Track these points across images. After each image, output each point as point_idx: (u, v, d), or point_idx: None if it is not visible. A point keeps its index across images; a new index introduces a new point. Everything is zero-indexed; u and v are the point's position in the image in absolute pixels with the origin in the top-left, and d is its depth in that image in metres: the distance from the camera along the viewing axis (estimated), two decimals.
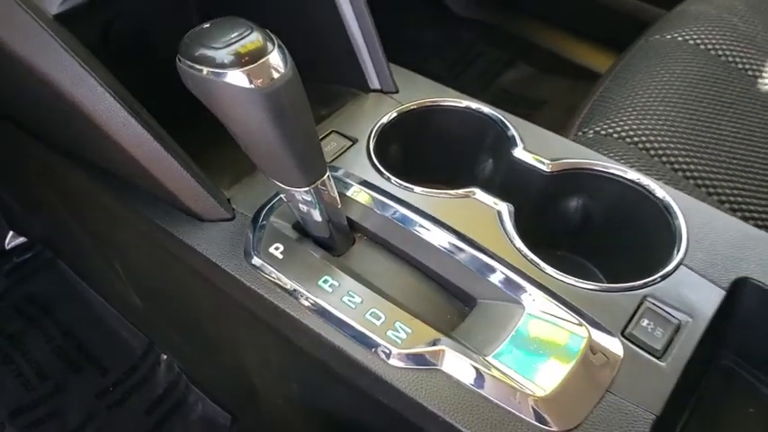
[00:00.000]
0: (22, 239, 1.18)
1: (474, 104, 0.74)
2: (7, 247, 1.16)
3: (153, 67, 0.79)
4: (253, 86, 0.48)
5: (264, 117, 0.50)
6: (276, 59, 0.49)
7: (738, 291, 0.58)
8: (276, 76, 0.48)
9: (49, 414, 1.01)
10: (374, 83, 0.78)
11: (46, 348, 1.07)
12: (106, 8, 0.62)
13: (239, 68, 0.48)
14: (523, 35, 1.68)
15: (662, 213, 0.63)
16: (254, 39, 0.49)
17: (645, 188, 0.64)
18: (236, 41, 0.48)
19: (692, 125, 0.88)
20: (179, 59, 0.50)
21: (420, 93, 0.76)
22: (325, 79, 0.80)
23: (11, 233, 1.18)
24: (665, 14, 1.15)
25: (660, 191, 0.64)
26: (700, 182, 0.83)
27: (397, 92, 0.77)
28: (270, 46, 0.49)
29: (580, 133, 0.88)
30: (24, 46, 0.53)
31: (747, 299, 0.58)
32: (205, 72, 0.48)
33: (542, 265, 0.58)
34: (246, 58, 0.48)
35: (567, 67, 1.61)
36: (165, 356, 1.06)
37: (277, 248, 0.61)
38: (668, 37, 1.03)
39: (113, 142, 0.59)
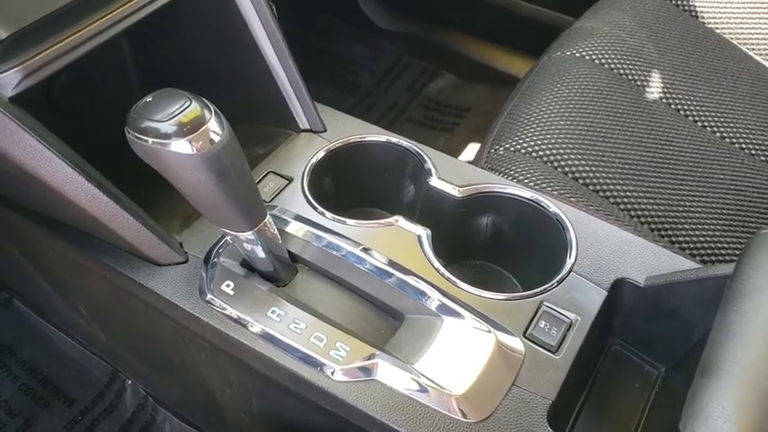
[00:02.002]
0: None
1: (394, 138, 0.84)
2: None
3: (96, 119, 0.85)
4: (195, 152, 0.56)
5: (207, 177, 0.58)
6: (214, 126, 0.57)
7: (618, 289, 0.70)
8: (216, 139, 0.56)
9: None
10: (304, 124, 0.86)
11: (12, 387, 1.11)
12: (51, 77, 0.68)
13: (182, 138, 0.55)
14: (446, 45, 1.79)
15: (556, 226, 0.75)
16: (193, 109, 0.56)
17: (540, 205, 0.76)
18: (177, 113, 0.56)
19: (589, 136, 1.01)
20: (127, 131, 0.57)
21: (346, 130, 0.85)
22: (260, 121, 0.88)
23: None
24: (571, 22, 1.28)
25: (553, 207, 0.76)
26: (597, 188, 0.96)
27: (325, 131, 0.86)
28: (207, 114, 0.57)
29: (492, 151, 0.99)
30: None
31: (625, 295, 0.70)
32: (150, 142, 0.55)
33: (457, 281, 0.69)
34: (188, 128, 0.55)
35: (488, 74, 1.73)
36: (130, 381, 1.12)
37: (228, 285, 0.70)
38: (567, 53, 1.16)
39: (74, 205, 0.66)
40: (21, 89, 0.61)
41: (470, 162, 0.95)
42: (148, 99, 0.58)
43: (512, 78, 1.69)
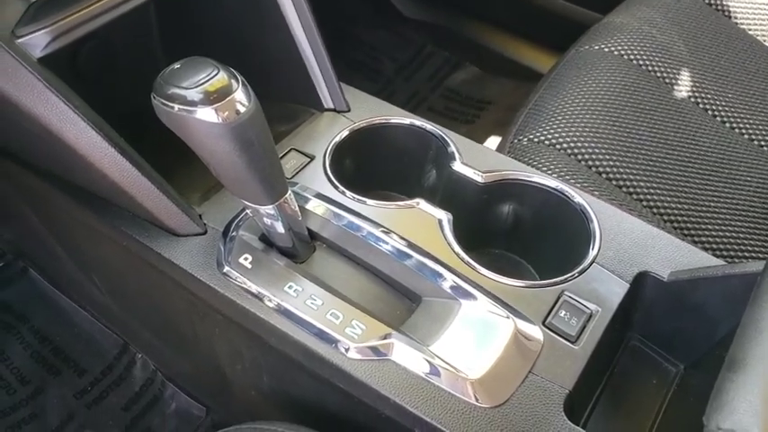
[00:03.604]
0: None
1: (418, 122, 0.83)
2: None
3: (120, 89, 0.85)
4: (220, 121, 0.56)
5: (232, 147, 0.58)
6: (241, 96, 0.56)
7: (640, 282, 0.69)
8: (242, 110, 0.56)
9: (31, 415, 1.07)
10: (328, 103, 0.86)
11: (24, 354, 1.12)
12: (78, 42, 0.68)
13: (208, 106, 0.55)
14: (470, 37, 1.78)
15: (579, 217, 0.74)
16: (220, 78, 0.56)
17: (564, 195, 0.75)
18: (204, 81, 0.56)
19: (614, 131, 0.99)
20: (153, 97, 0.57)
21: (369, 111, 0.84)
22: (283, 99, 0.88)
23: None
24: (599, 19, 1.26)
25: (578, 197, 0.74)
26: (621, 183, 0.94)
27: (348, 110, 0.85)
28: (235, 84, 0.57)
29: (515, 140, 0.97)
30: (13, 88, 0.60)
31: (648, 289, 0.69)
32: (177, 109, 0.55)
33: (477, 266, 0.68)
34: (214, 96, 0.55)
35: (511, 68, 1.72)
36: (140, 355, 1.13)
37: (246, 258, 0.69)
38: (596, 48, 1.14)
39: (96, 169, 0.65)
40: (49, 51, 0.61)
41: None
42: (176, 66, 0.57)
43: (535, 74, 1.67)
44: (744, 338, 0.49)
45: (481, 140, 1.58)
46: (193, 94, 0.55)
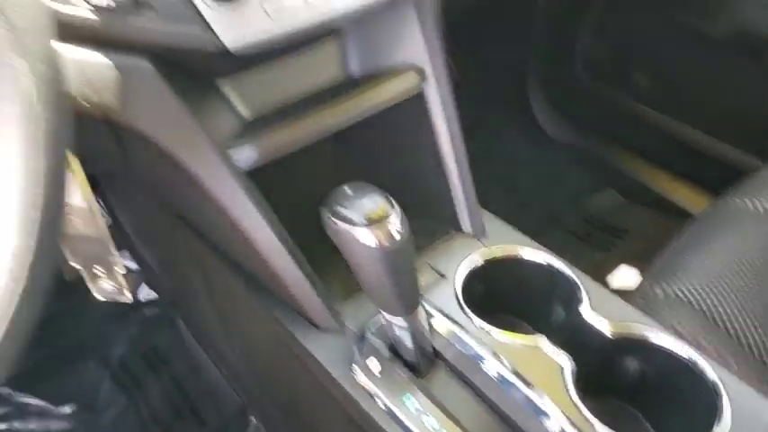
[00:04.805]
0: (153, 295, 1.40)
1: (554, 262, 0.86)
2: (142, 300, 1.38)
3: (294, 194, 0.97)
4: (375, 245, 0.64)
5: (380, 267, 0.66)
6: (396, 224, 0.64)
7: None
8: (396, 238, 0.64)
9: None
10: (466, 226, 0.92)
11: (160, 394, 1.26)
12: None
13: (367, 228, 0.63)
14: (615, 163, 1.79)
15: (710, 392, 0.71)
16: (382, 206, 0.65)
17: (697, 367, 0.73)
18: (367, 206, 0.64)
19: (760, 299, 0.95)
20: (322, 209, 0.67)
21: (505, 238, 0.89)
22: (423, 215, 0.95)
23: (145, 287, 1.40)
24: (759, 166, 1.22)
25: (711, 372, 0.72)
26: (765, 358, 0.89)
27: (485, 236, 0.91)
28: (393, 214, 0.65)
29: (650, 288, 0.97)
30: (216, 186, 0.73)
31: None
32: (339, 225, 0.64)
33: (595, 422, 0.68)
34: (373, 221, 0.64)
35: (654, 200, 1.69)
36: (256, 422, 1.21)
37: (373, 363, 0.75)
38: (748, 203, 1.11)
39: (260, 257, 0.76)
40: (254, 166, 0.74)
41: (624, 292, 0.94)
42: (346, 188, 0.67)
43: (679, 209, 1.64)
44: None
45: (616, 271, 1.56)
46: (357, 217, 0.64)
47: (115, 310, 1.35)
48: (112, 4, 0.61)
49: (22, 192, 0.37)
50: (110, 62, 0.65)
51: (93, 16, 0.62)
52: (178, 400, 1.24)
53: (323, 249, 0.77)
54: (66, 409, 1.22)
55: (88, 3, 0.62)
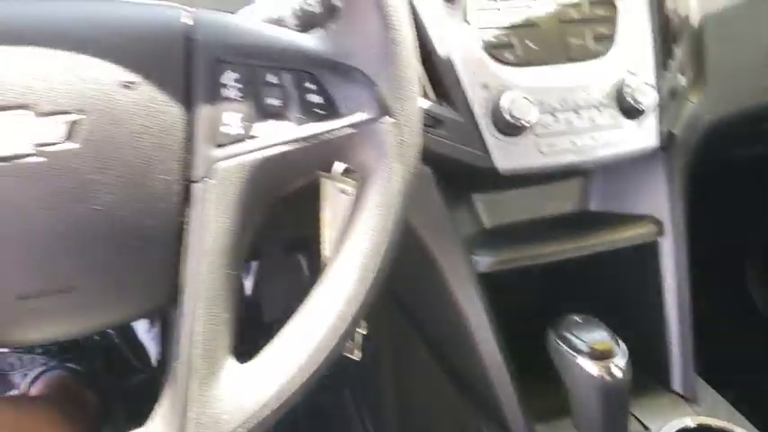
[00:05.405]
0: None
1: None
2: None
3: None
4: (597, 376, 0.67)
5: (596, 401, 0.68)
6: (620, 362, 0.68)
7: None
8: (618, 375, 0.67)
9: None
10: (675, 385, 0.89)
11: None
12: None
13: (591, 360, 0.67)
14: None
15: None
16: (608, 342, 0.69)
17: None
18: (595, 338, 0.69)
19: None
20: (549, 332, 0.71)
21: (718, 413, 0.85)
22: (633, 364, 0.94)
23: None
24: None
25: None
26: None
27: (696, 402, 0.87)
28: (617, 351, 0.68)
29: None
30: (456, 283, 0.81)
31: None
32: (565, 350, 0.69)
33: None
34: (598, 354, 0.67)
35: None
36: None
37: None
38: None
39: (476, 354, 0.81)
40: (486, 271, 0.82)
41: None
42: (576, 319, 0.72)
43: None
44: None
45: None
46: (582, 346, 0.68)
47: None
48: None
49: (363, 268, 0.49)
50: None
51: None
52: None
53: (528, 365, 0.81)
54: None
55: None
